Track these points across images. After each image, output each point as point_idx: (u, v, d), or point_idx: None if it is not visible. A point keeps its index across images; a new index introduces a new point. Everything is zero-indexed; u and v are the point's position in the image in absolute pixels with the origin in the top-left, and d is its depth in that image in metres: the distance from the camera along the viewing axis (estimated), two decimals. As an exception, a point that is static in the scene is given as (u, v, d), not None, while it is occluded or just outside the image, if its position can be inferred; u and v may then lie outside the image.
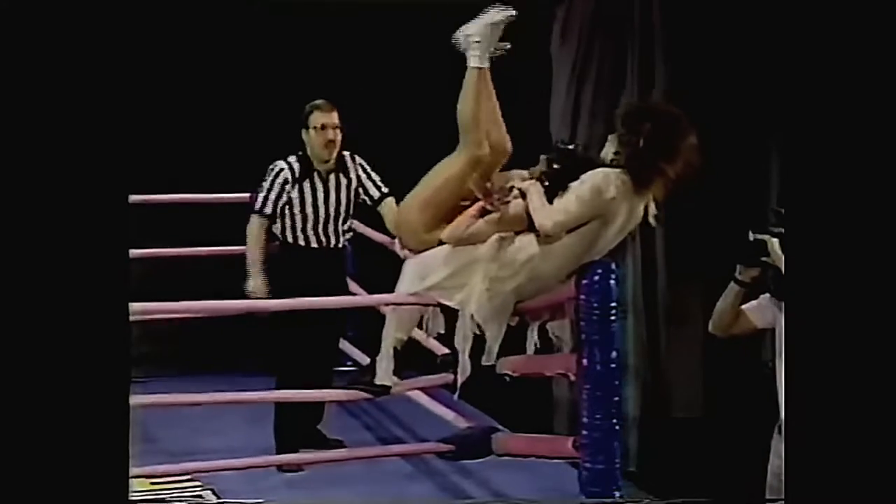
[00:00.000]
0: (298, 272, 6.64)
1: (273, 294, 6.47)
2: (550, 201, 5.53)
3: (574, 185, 5.53)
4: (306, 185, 6.72)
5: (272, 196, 6.70)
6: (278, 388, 6.60)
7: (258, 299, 6.46)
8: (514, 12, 5.58)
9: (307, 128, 6.70)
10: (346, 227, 6.85)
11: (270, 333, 6.70)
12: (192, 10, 8.29)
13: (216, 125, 8.51)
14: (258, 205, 6.72)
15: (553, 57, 7.15)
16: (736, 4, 6.58)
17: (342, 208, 6.79)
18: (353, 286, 7.77)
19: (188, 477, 6.15)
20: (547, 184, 5.59)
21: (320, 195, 6.73)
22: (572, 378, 5.86)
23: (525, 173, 5.71)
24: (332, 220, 6.77)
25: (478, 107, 5.61)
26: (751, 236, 4.69)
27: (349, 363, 8.04)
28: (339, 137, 6.72)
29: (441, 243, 5.70)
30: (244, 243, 6.88)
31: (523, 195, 5.59)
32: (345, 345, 7.91)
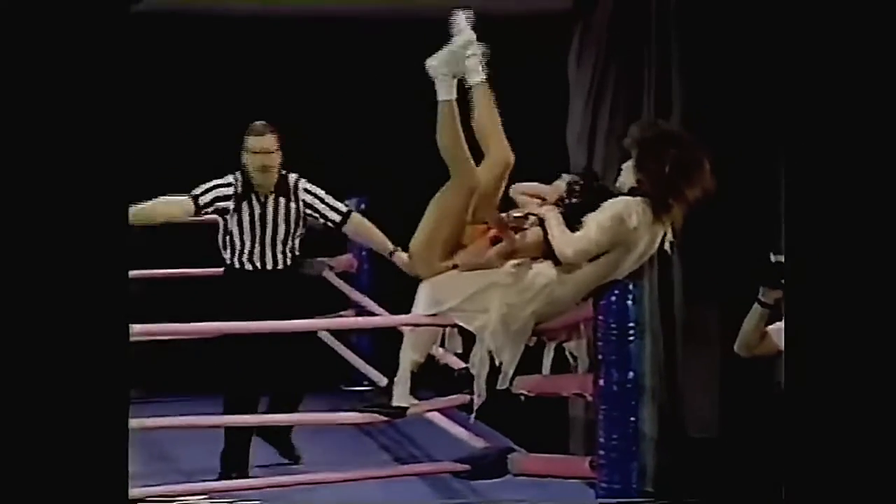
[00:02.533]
0: (241, 296, 6.61)
1: (217, 317, 6.37)
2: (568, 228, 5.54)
3: (594, 214, 5.53)
4: (244, 205, 6.65)
5: (211, 192, 6.64)
6: (226, 409, 6.57)
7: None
8: (470, 37, 5.57)
9: (245, 150, 6.64)
10: (287, 248, 6.73)
11: (220, 354, 6.66)
12: (192, 29, 8.32)
13: (217, 146, 8.50)
14: (195, 190, 6.63)
15: (570, 79, 7.16)
16: (753, 27, 6.58)
17: (280, 231, 6.69)
18: (371, 305, 7.78)
19: (205, 497, 6.15)
20: (562, 210, 5.59)
21: (257, 217, 6.65)
22: (589, 398, 5.87)
23: (544, 188, 5.71)
24: (269, 243, 6.68)
25: (456, 138, 5.59)
26: (772, 258, 4.69)
27: (365, 382, 8.06)
28: (275, 161, 6.63)
29: (455, 267, 5.71)
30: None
31: (541, 221, 5.59)
32: (361, 364, 7.93)
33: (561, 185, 5.73)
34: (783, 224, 5.31)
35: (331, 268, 8.19)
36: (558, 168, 6.33)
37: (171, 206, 6.60)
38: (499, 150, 5.73)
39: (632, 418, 5.75)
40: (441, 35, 5.68)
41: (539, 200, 5.76)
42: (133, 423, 5.79)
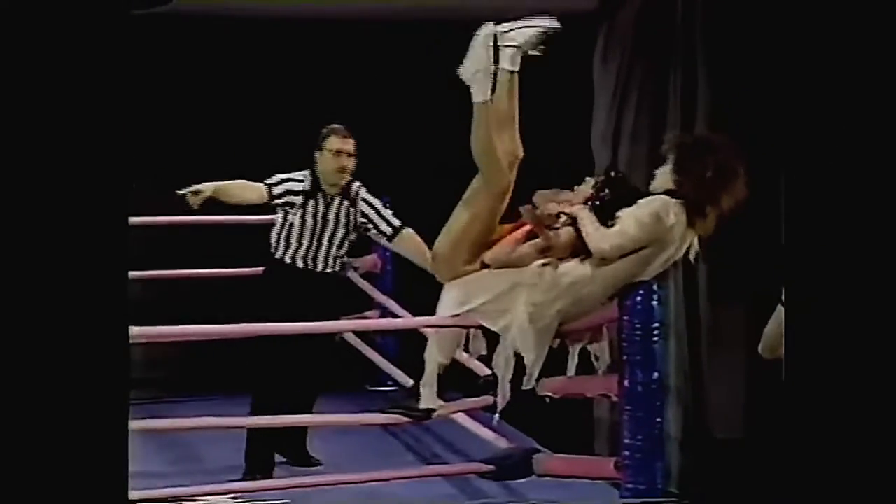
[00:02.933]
0: (288, 293, 6.63)
1: (257, 313, 6.43)
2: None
3: (629, 210, 5.52)
4: (310, 204, 6.71)
5: (284, 184, 6.70)
6: (254, 408, 6.58)
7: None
8: (490, 30, 5.54)
9: (321, 150, 6.70)
10: (340, 253, 6.79)
11: (251, 352, 6.68)
12: (205, 30, 8.34)
13: (226, 145, 8.54)
14: (269, 179, 6.71)
15: (595, 78, 7.16)
16: (779, 27, 6.56)
17: (339, 234, 6.75)
18: (394, 307, 7.79)
19: (230, 496, 6.17)
20: (591, 208, 5.58)
21: (320, 217, 6.71)
22: (614, 399, 5.87)
23: (571, 194, 5.70)
24: (326, 245, 6.73)
25: (490, 141, 5.57)
26: None
27: (390, 383, 8.07)
28: (353, 165, 6.71)
29: (483, 266, 5.70)
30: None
31: (573, 220, 5.58)
32: (386, 365, 7.94)
33: (586, 188, 5.72)
34: (783, 224, 5.30)
35: (355, 269, 8.20)
36: (583, 167, 6.33)
37: (248, 190, 6.71)
38: (510, 142, 5.72)
39: (656, 419, 5.75)
40: (461, 35, 5.67)
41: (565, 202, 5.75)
42: (156, 423, 5.85)
